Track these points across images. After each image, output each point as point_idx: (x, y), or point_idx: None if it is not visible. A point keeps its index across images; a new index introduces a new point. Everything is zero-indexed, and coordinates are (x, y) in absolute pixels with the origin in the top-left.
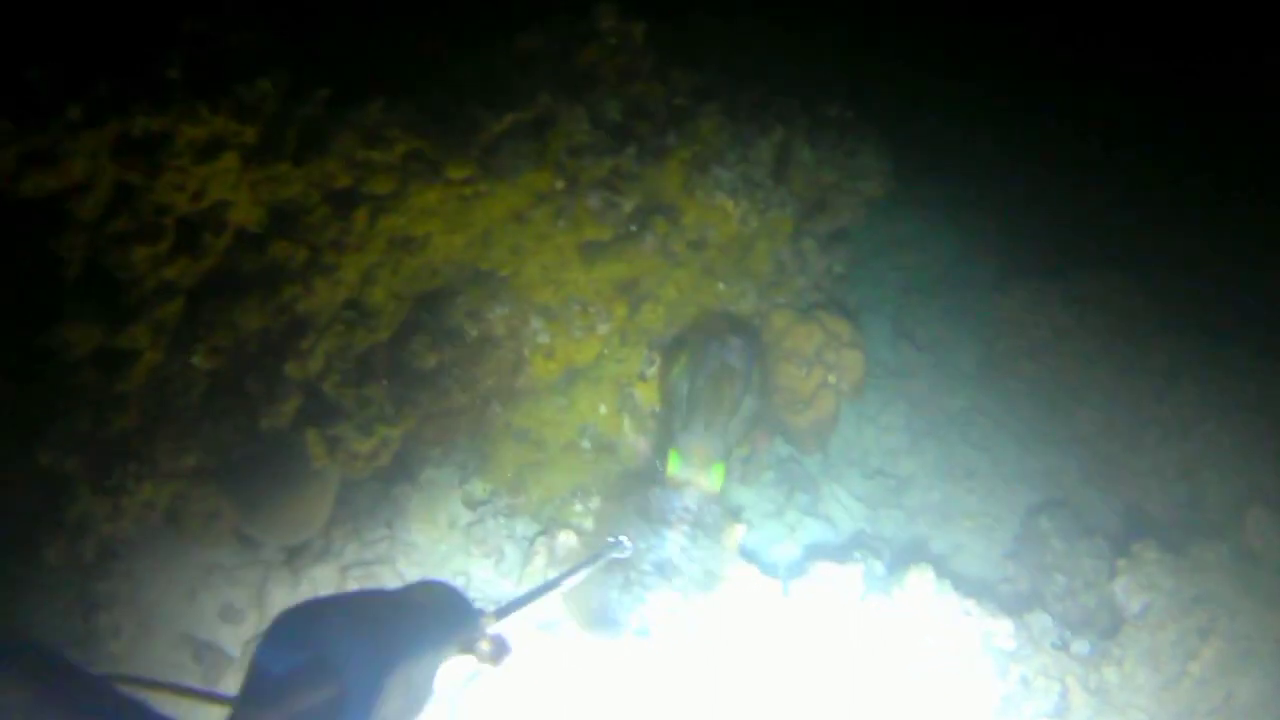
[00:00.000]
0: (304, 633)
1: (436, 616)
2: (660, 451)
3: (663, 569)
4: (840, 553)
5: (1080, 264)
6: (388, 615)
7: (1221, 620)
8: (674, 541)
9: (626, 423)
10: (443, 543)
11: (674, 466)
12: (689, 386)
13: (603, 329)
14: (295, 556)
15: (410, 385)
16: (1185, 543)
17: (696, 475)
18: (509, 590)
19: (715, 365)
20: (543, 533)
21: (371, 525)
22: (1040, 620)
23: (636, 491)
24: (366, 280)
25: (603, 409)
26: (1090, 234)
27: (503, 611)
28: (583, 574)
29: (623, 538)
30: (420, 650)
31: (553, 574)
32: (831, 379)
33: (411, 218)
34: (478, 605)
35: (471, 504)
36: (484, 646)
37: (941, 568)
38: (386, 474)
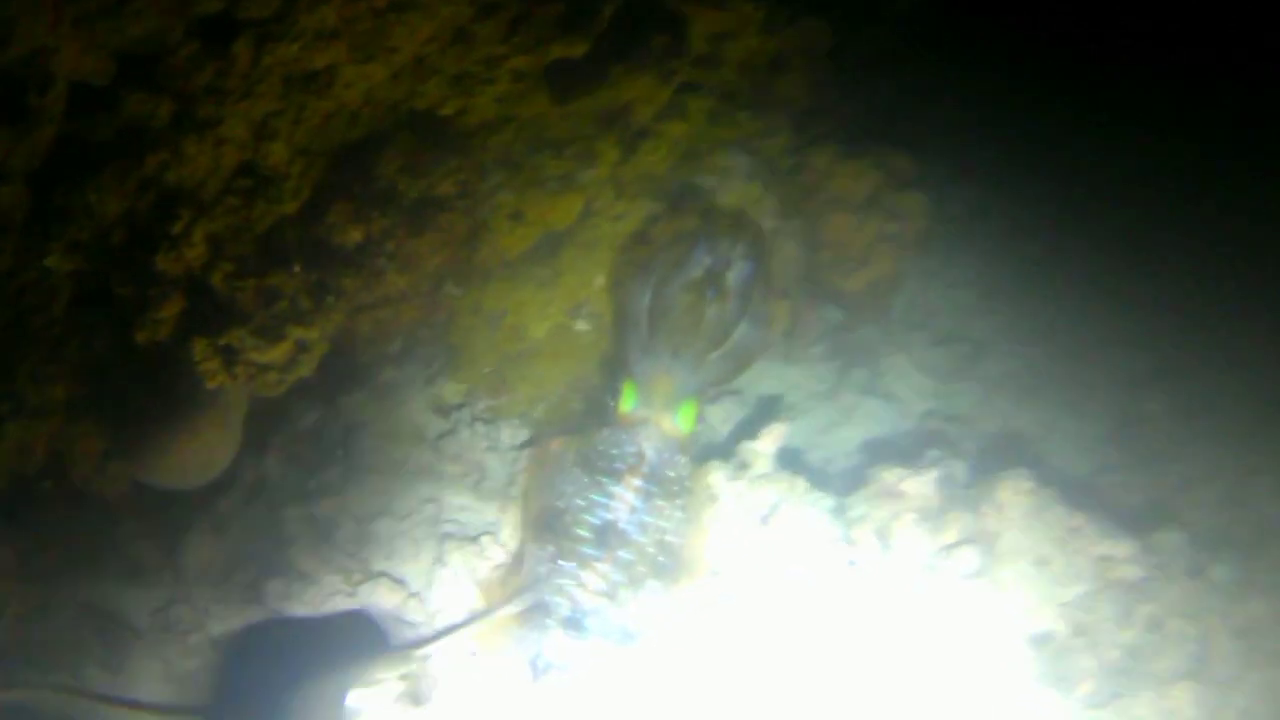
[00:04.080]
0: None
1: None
2: (610, 382)
3: (604, 537)
4: (909, 447)
5: (1174, 80)
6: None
7: None
8: (622, 500)
9: None
10: (407, 463)
11: (628, 402)
12: (653, 297)
13: (586, 177)
14: (217, 497)
15: (331, 269)
16: None
17: (657, 415)
18: (491, 520)
19: (698, 273)
20: (532, 441)
21: (317, 448)
22: (1170, 539)
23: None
24: (261, 135)
25: (599, 280)
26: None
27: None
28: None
29: None
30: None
31: None
32: (891, 228)
33: (306, 45)
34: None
35: (442, 410)
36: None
37: (1037, 466)
38: (335, 382)
